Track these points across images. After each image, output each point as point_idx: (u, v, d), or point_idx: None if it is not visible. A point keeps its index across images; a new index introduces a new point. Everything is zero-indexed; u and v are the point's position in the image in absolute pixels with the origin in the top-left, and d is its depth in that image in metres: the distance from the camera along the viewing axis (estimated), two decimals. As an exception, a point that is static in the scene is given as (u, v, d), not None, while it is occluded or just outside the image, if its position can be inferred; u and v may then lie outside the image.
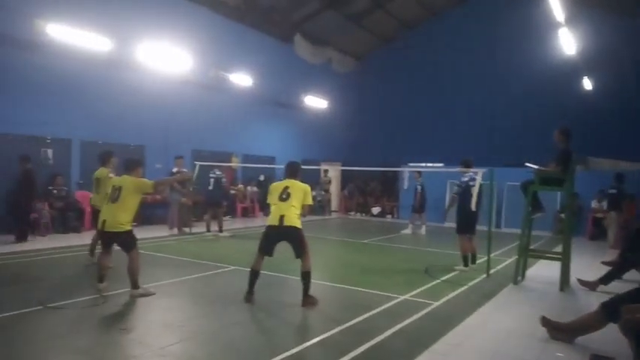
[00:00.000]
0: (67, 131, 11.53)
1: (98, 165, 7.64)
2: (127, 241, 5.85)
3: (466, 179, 7.92)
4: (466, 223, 7.95)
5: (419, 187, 13.38)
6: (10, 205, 9.86)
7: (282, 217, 5.62)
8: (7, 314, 4.95)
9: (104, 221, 5.76)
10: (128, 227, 5.83)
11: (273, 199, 5.83)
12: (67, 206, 11.09)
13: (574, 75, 17.19)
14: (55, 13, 10.13)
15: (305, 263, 5.67)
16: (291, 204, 5.69)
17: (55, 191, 11.06)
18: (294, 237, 5.68)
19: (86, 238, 9.93)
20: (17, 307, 5.15)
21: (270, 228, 5.74)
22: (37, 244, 9.43)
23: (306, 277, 5.65)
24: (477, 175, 7.84)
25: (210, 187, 11.63)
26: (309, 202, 5.92)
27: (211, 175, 11.63)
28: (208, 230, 11.61)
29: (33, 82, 10.77)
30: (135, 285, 5.80)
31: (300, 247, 5.69)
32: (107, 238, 5.91)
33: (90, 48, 10.97)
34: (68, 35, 10.34)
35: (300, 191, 5.81)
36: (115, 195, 5.81)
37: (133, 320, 5.12)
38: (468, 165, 8.12)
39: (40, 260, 8.05)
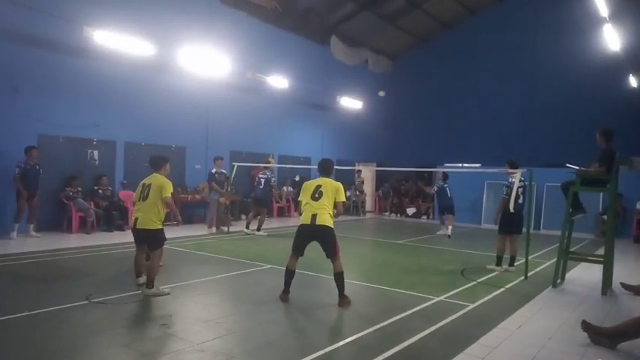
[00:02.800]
0: (112, 133, 11.95)
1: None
2: (155, 239, 5.90)
3: (513, 179, 7.94)
4: (508, 223, 7.98)
5: (436, 188, 13.31)
6: None
7: (314, 216, 5.61)
8: (55, 308, 5.19)
9: (136, 219, 5.87)
10: (159, 225, 5.89)
11: (305, 197, 5.81)
12: (111, 205, 11.48)
13: (618, 72, 16.59)
14: (102, 20, 10.50)
15: (336, 264, 5.66)
16: (324, 203, 5.66)
17: (100, 191, 11.47)
18: (325, 236, 5.66)
19: (129, 236, 10.28)
20: (64, 302, 5.39)
21: (302, 227, 5.75)
22: (83, 241, 9.80)
23: (339, 278, 5.64)
24: (516, 177, 7.87)
25: (261, 187, 11.94)
26: (342, 199, 5.79)
27: (262, 176, 11.97)
28: (247, 227, 11.83)
29: (80, 87, 11.23)
30: (150, 284, 5.80)
31: (331, 248, 5.67)
32: (139, 236, 5.99)
33: (134, 53, 11.33)
34: (114, 41, 10.70)
35: (333, 189, 5.73)
36: (145, 193, 5.88)
37: (173, 316, 5.26)
38: (514, 165, 8.15)
39: (86, 257, 8.36)
